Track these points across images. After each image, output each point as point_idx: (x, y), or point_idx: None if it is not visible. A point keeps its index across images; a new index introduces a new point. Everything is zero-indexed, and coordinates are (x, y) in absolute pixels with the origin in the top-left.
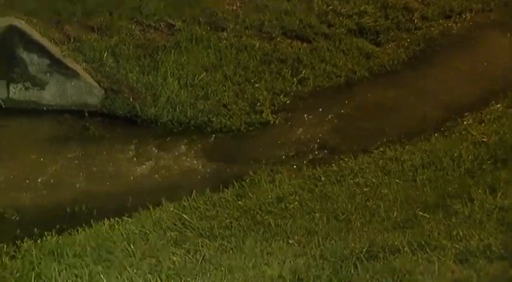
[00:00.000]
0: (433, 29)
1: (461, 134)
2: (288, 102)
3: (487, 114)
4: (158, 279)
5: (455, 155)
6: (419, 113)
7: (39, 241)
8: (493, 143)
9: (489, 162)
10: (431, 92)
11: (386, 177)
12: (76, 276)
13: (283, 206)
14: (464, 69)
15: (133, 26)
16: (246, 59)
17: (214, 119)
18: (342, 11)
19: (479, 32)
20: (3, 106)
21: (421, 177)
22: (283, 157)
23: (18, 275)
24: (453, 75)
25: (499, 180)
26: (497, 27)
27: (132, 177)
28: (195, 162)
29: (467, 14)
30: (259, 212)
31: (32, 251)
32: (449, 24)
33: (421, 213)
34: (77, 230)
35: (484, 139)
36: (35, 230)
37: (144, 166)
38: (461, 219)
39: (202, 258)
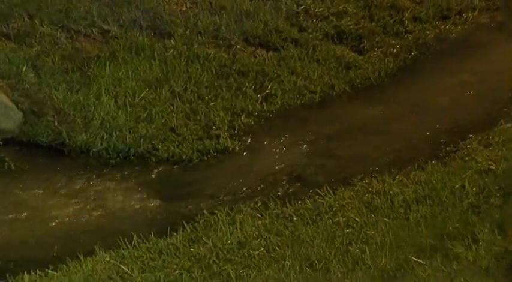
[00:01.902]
0: (427, 32)
1: (464, 161)
2: (250, 124)
3: (495, 136)
4: None
5: (457, 186)
6: (412, 136)
7: None
8: (501, 171)
9: (497, 195)
10: (427, 109)
11: (372, 215)
12: None
13: (245, 253)
14: (466, 82)
15: (58, 33)
16: (199, 72)
17: (160, 147)
18: (316, 11)
19: (483, 36)
20: None
21: (414, 214)
22: (246, 192)
23: None
24: (453, 88)
25: (509, 217)
26: (504, 30)
27: (58, 220)
28: (136, 200)
29: (469, 14)
30: (216, 261)
31: None
32: (447, 27)
33: (414, 258)
34: None
35: (491, 167)
36: None
37: (73, 206)
38: (464, 265)
39: None
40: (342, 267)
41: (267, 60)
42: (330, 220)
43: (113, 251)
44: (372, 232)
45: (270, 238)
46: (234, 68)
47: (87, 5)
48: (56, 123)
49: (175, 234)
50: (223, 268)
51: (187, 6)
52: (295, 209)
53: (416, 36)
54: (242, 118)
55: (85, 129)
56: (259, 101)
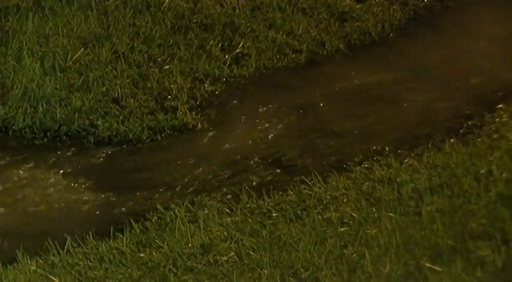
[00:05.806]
0: None
1: (491, 139)
2: (216, 92)
3: None
4: None
5: (482, 171)
6: (424, 107)
7: None
8: None
9: None
10: (444, 73)
11: (374, 210)
12: None
13: (211, 259)
14: (497, 38)
15: None
16: (149, 26)
17: (99, 123)
18: None
19: None
20: None
21: (428, 208)
22: (211, 181)
23: None
24: (478, 46)
25: None
26: None
27: None
28: (69, 192)
29: None
30: (174, 270)
31: None
32: None
33: (428, 264)
34: None
35: None
36: None
37: None
38: (490, 271)
39: None
40: (335, 276)
41: (237, 10)
42: (320, 216)
43: (40, 257)
44: (374, 231)
45: (242, 240)
46: (195, 20)
47: None
48: None
49: (120, 235)
50: (182, 279)
51: None
52: (274, 203)
53: None
54: (206, 85)
55: (2, 101)
56: (228, 63)
